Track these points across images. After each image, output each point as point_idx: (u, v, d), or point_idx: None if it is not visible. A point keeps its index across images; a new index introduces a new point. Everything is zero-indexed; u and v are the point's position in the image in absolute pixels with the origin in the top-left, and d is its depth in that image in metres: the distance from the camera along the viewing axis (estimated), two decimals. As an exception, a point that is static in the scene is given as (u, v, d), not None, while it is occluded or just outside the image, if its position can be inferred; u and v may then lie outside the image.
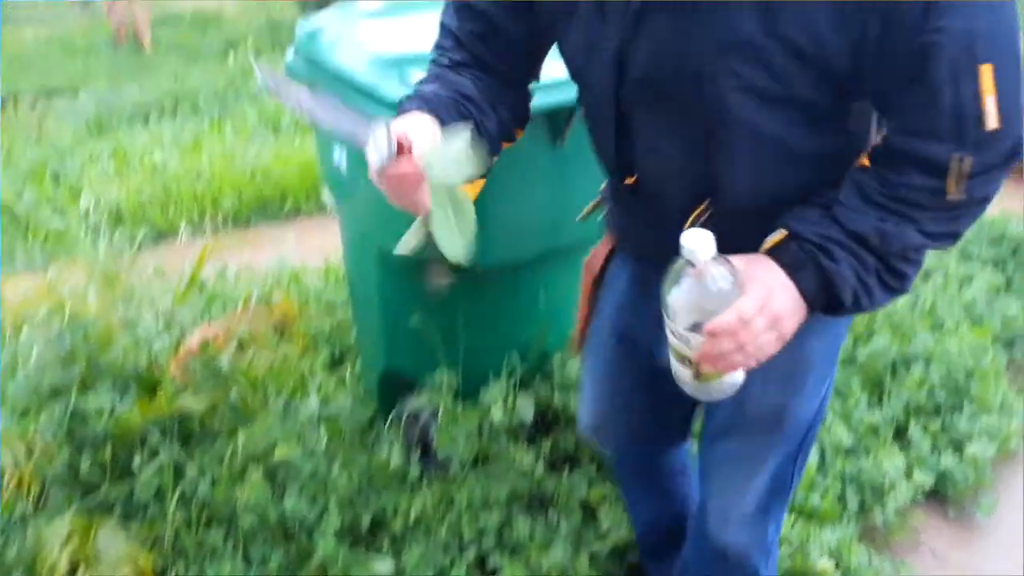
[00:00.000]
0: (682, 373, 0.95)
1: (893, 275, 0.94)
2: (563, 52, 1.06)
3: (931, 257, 2.81)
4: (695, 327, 0.88)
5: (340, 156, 1.94)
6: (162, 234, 3.49)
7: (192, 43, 6.64)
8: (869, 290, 0.93)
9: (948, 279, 2.59)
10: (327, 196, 3.17)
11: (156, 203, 3.59)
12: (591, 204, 1.34)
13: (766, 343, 0.88)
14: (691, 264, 0.86)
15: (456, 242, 0.98)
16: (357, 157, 1.88)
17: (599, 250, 1.33)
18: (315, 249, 3.12)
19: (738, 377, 0.94)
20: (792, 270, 0.90)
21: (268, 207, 3.72)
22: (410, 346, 1.95)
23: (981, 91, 0.84)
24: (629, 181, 1.05)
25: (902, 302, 2.37)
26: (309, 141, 4.08)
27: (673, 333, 0.92)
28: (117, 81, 5.46)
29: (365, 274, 2.04)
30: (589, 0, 0.98)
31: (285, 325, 2.35)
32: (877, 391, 2.14)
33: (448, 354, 1.91)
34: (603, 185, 1.29)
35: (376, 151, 0.87)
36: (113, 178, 3.86)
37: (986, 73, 0.85)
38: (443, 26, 1.13)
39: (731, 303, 0.86)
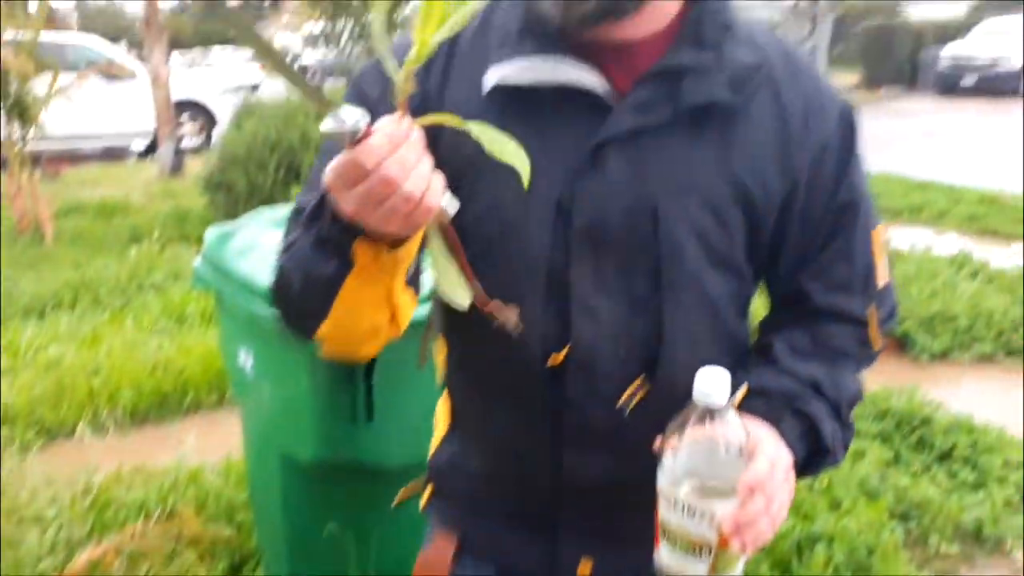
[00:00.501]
0: (688, 568, 0.76)
1: (845, 426, 0.93)
2: (467, 215, 0.83)
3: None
4: (707, 495, 0.74)
5: (245, 357, 1.94)
6: (55, 433, 3.33)
7: (96, 233, 6.60)
8: (836, 438, 0.90)
9: (841, 455, 2.70)
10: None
11: (48, 400, 3.45)
12: (407, 489, 1.13)
13: (785, 502, 0.79)
14: (709, 413, 0.74)
15: (458, 282, 0.82)
16: (262, 358, 1.90)
17: (435, 556, 1.03)
18: (217, 445, 3.02)
19: (741, 567, 0.79)
20: (774, 421, 0.85)
21: (169, 401, 3.62)
22: (314, 553, 1.89)
23: (875, 250, 0.93)
24: (555, 360, 0.89)
25: (801, 482, 2.44)
26: (213, 332, 4.05)
27: (687, 511, 0.74)
28: (15, 272, 5.35)
29: (267, 478, 1.99)
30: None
31: (182, 532, 2.24)
32: (786, 574, 2.16)
33: (357, 562, 1.85)
34: (437, 451, 1.06)
35: (342, 119, 0.67)
36: (4, 374, 3.70)
37: (878, 234, 0.94)
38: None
39: (736, 467, 0.74)
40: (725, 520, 0.73)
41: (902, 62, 22.47)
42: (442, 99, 0.89)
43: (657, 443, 0.79)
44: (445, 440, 1.05)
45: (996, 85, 19.54)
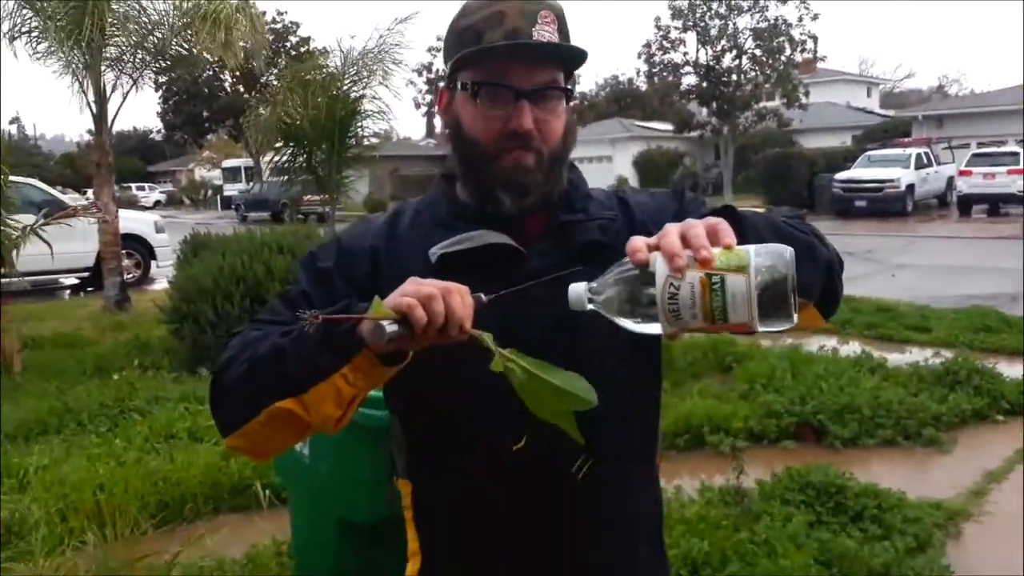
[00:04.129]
0: (679, 309, 0.86)
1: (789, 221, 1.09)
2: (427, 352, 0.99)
3: (759, 502, 3.48)
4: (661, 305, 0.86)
5: (301, 445, 2.40)
6: (65, 545, 3.59)
7: (62, 364, 6.84)
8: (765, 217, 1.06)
9: (774, 519, 3.24)
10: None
11: (58, 514, 3.72)
12: None
13: (694, 221, 0.90)
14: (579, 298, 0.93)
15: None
16: (319, 443, 2.34)
17: None
18: (226, 546, 3.35)
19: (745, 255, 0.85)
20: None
21: (169, 512, 3.92)
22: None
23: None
24: (518, 446, 1.09)
25: (743, 536, 2.97)
26: (204, 448, 4.40)
27: (668, 301, 0.86)
28: (-10, 403, 5.56)
29: (322, 546, 2.40)
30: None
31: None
32: (737, 609, 2.65)
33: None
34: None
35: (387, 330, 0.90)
36: (8, 494, 3.95)
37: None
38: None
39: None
40: (668, 260, 0.86)
41: (799, 187, 24.48)
42: (394, 271, 1.09)
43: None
44: None
45: (885, 206, 21.50)
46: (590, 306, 0.93)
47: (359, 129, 10.31)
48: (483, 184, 1.14)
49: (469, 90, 1.12)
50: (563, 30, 1.13)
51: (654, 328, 0.89)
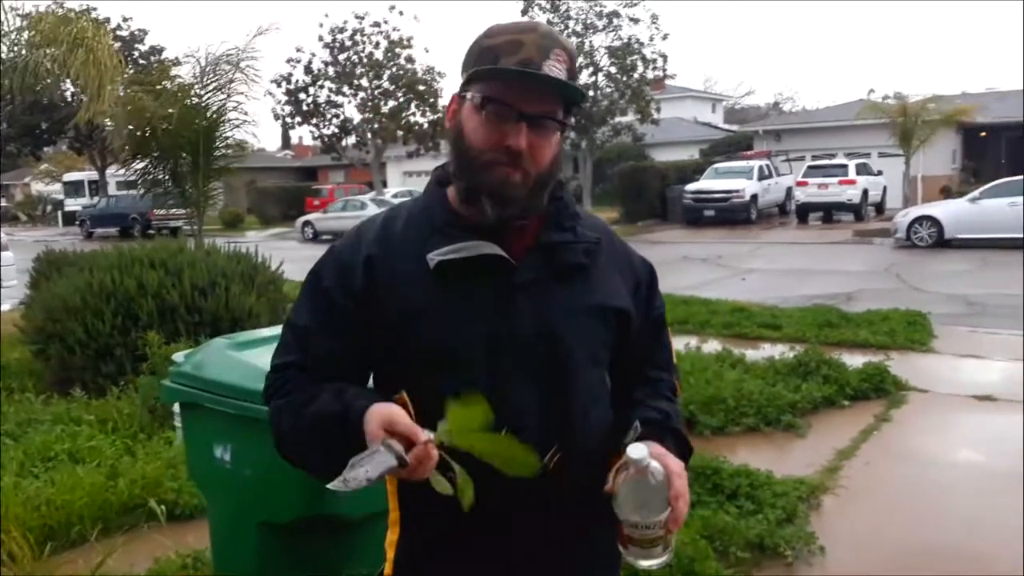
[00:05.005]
0: (654, 556, 1.22)
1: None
2: (417, 342, 1.24)
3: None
4: (654, 513, 1.17)
5: (223, 452, 2.45)
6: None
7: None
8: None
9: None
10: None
11: (-67, 546, 3.53)
12: None
13: (687, 493, 1.22)
14: (636, 464, 1.16)
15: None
16: (244, 447, 2.41)
17: None
18: (119, 567, 3.30)
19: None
20: (661, 439, 1.28)
21: (55, 535, 3.79)
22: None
23: (671, 343, 1.50)
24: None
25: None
26: (87, 470, 4.26)
27: (645, 528, 1.18)
28: None
29: (243, 549, 2.46)
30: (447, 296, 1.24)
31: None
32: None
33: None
34: (396, 553, 1.36)
35: (391, 456, 1.07)
36: None
37: (669, 333, 1.50)
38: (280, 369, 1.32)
39: (663, 487, 1.18)
40: (670, 522, 1.20)
41: (652, 198, 25.63)
42: (390, 275, 1.27)
43: (608, 487, 1.20)
44: (400, 544, 1.36)
45: (731, 215, 22.87)
46: (640, 464, 1.19)
47: (223, 140, 10.04)
48: (471, 189, 1.26)
49: (477, 103, 1.24)
50: (572, 70, 1.26)
51: (620, 510, 1.20)
